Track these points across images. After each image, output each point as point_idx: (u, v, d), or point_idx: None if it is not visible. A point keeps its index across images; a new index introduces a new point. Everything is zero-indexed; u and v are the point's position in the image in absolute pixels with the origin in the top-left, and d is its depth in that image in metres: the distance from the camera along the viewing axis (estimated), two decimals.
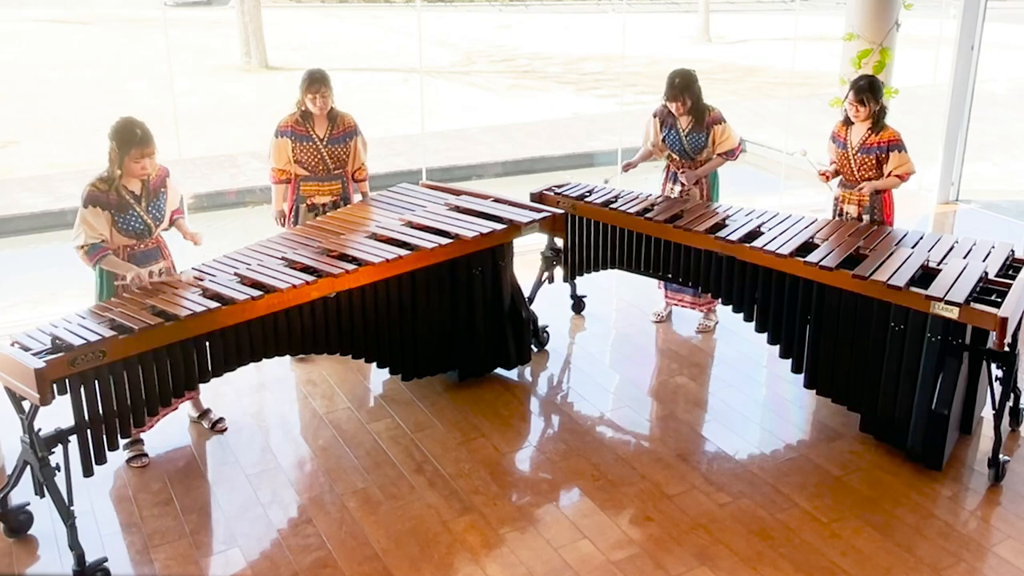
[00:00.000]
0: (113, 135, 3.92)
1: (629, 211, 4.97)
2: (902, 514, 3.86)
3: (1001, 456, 4.05)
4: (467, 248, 4.51)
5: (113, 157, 3.94)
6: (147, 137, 3.94)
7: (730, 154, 5.20)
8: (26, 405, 3.40)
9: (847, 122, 4.84)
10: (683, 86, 5.02)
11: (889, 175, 4.76)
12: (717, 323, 5.57)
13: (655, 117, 5.29)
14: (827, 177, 4.95)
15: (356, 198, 5.08)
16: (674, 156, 5.26)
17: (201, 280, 3.94)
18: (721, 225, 4.72)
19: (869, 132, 4.75)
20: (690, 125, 5.14)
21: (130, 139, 3.90)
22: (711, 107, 5.14)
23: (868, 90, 4.68)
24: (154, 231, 4.09)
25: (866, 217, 4.84)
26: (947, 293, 3.85)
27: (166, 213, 4.15)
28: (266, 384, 4.93)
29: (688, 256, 4.81)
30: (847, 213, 4.91)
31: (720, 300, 4.84)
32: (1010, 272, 4.27)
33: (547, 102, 15.51)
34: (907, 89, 6.79)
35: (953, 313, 3.80)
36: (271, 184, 4.99)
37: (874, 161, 4.76)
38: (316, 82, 4.75)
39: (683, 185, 5.24)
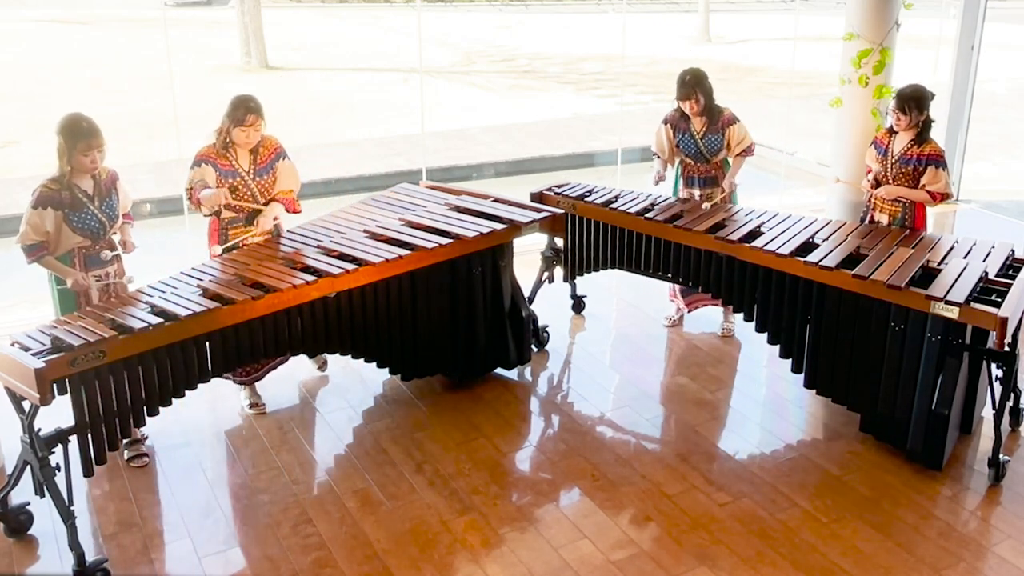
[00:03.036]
0: (60, 130, 3.88)
1: (629, 211, 4.97)
2: (902, 514, 3.86)
3: (1001, 456, 4.05)
4: (467, 248, 4.51)
5: (61, 153, 3.89)
6: (94, 130, 3.90)
7: (748, 151, 5.15)
8: (26, 405, 3.40)
9: (892, 130, 4.73)
10: (694, 82, 4.97)
11: (921, 188, 4.64)
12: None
13: (666, 124, 5.21)
14: (872, 186, 4.80)
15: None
16: (688, 160, 5.21)
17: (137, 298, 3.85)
18: (721, 225, 4.72)
19: (912, 143, 4.63)
20: (704, 127, 5.09)
21: (77, 132, 3.86)
22: (722, 107, 5.10)
23: (911, 99, 4.55)
24: (108, 231, 4.05)
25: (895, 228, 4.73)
26: (947, 293, 3.85)
27: (119, 214, 4.13)
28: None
29: (688, 256, 4.81)
30: (878, 221, 4.81)
31: (720, 300, 4.84)
32: (1010, 272, 4.27)
33: (547, 102, 15.51)
34: None
35: (953, 313, 3.80)
36: (203, 207, 4.28)
37: (911, 172, 4.63)
38: (250, 113, 4.25)
39: (703, 192, 5.16)
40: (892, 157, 4.70)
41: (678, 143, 5.18)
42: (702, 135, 5.10)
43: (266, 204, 4.48)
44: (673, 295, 5.61)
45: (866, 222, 4.86)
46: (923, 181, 4.63)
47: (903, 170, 4.66)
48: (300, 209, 4.59)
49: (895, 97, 4.64)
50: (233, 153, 4.36)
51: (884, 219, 4.79)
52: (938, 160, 4.60)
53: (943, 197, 4.64)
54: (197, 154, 4.37)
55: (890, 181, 4.71)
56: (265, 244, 4.42)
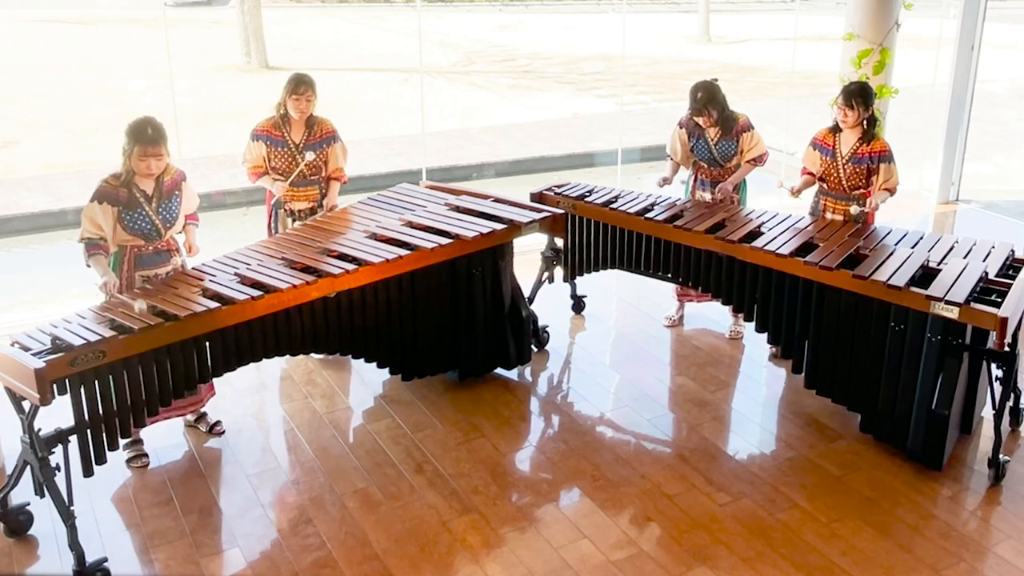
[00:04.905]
0: (127, 131, 3.96)
1: (629, 211, 4.97)
2: (902, 514, 3.86)
3: (1001, 456, 4.05)
4: (467, 248, 4.51)
5: (124, 152, 3.97)
6: (157, 137, 3.94)
7: (759, 160, 5.12)
8: (26, 405, 3.40)
9: (835, 129, 4.77)
10: (707, 99, 4.93)
11: (879, 188, 4.69)
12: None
13: (681, 127, 5.20)
14: (797, 193, 4.90)
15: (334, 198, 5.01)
16: (703, 165, 5.21)
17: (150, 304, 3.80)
18: (721, 225, 4.72)
19: (859, 141, 4.68)
20: (719, 135, 5.08)
21: (139, 136, 3.93)
22: (738, 115, 5.07)
23: (858, 95, 4.61)
24: (164, 233, 4.08)
25: None
26: (947, 293, 3.85)
27: (179, 216, 4.15)
28: (266, 384, 4.93)
29: (688, 256, 4.81)
30: (832, 220, 4.82)
31: (720, 300, 4.84)
32: (1010, 272, 4.27)
33: (547, 102, 15.50)
34: (907, 89, 6.80)
35: (953, 313, 3.80)
36: (254, 182, 4.88)
37: (865, 172, 4.69)
38: (302, 84, 4.72)
39: (714, 194, 5.15)
40: (842, 158, 4.72)
41: (692, 148, 5.18)
42: (716, 142, 5.09)
43: (326, 181, 4.94)
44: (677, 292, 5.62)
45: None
46: (879, 180, 4.69)
47: (856, 169, 4.70)
48: (346, 180, 5.02)
49: (841, 93, 4.68)
50: (287, 127, 4.78)
51: (839, 219, 4.82)
52: (889, 156, 4.69)
53: (896, 187, 4.74)
54: (253, 129, 4.83)
55: (843, 181, 4.75)
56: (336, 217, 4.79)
